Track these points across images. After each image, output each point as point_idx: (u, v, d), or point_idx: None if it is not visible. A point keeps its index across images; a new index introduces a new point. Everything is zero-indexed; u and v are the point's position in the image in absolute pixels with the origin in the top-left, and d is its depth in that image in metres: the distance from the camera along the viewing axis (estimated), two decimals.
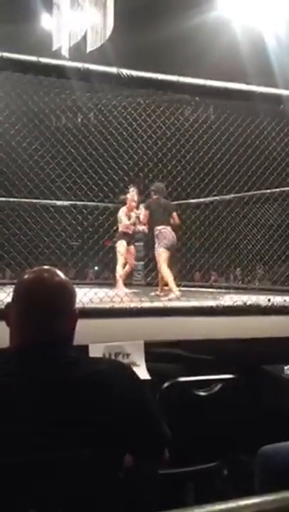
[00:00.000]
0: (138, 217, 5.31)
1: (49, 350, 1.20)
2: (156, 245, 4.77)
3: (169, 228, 4.77)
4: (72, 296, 1.29)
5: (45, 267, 1.33)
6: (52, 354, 1.19)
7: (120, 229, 5.36)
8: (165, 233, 4.72)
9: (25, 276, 1.29)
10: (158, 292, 4.84)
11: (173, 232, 4.80)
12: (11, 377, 1.16)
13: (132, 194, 5.33)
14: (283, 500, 0.65)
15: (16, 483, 1.07)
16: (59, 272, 1.29)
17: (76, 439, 1.12)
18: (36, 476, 1.08)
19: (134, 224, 5.36)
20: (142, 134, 3.99)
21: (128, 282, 6.31)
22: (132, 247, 5.51)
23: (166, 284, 4.70)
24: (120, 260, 5.30)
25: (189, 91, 3.07)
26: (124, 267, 5.36)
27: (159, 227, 4.75)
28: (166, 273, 4.63)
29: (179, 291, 4.47)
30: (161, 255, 4.69)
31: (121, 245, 5.31)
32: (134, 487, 1.29)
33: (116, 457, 1.19)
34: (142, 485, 1.41)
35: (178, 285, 4.71)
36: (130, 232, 5.43)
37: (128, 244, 5.40)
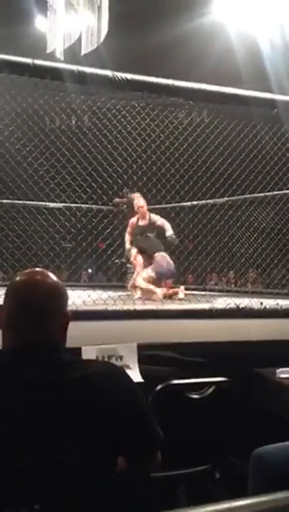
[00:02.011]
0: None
1: (41, 352, 1.20)
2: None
3: (163, 254, 4.63)
4: (63, 297, 1.29)
5: (37, 269, 1.34)
6: (44, 356, 1.19)
7: None
8: (159, 260, 4.59)
9: (16, 279, 1.29)
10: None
11: (168, 259, 4.63)
12: (2, 380, 1.15)
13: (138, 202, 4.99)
14: (275, 502, 0.65)
15: (5, 486, 1.07)
16: (50, 274, 1.29)
17: (68, 442, 1.12)
18: (27, 479, 1.08)
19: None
20: (136, 136, 4.00)
21: (121, 285, 6.35)
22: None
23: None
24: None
25: (183, 95, 3.08)
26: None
27: (155, 255, 4.62)
28: (141, 284, 4.54)
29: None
30: (145, 276, 4.59)
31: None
32: (126, 490, 1.29)
33: (108, 460, 1.19)
34: (133, 488, 1.41)
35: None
36: None
37: None
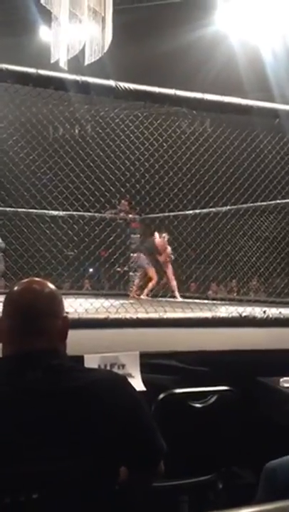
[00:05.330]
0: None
1: (41, 358, 1.20)
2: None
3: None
4: (60, 302, 1.31)
5: (34, 278, 1.39)
6: (44, 362, 1.20)
7: None
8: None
9: (14, 288, 1.31)
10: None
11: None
12: (3, 387, 1.15)
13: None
14: (281, 510, 0.65)
15: (5, 494, 1.07)
16: (47, 282, 1.33)
17: (69, 450, 1.11)
18: (27, 488, 1.07)
19: None
20: (139, 146, 4.02)
21: (124, 293, 6.42)
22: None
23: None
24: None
25: (186, 104, 3.10)
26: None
27: None
28: None
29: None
30: None
31: None
32: (129, 499, 1.29)
33: (111, 469, 1.19)
34: (136, 497, 1.40)
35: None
36: None
37: None
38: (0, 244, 5.37)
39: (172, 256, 6.16)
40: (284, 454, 1.61)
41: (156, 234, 6.30)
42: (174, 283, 6.14)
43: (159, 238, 6.24)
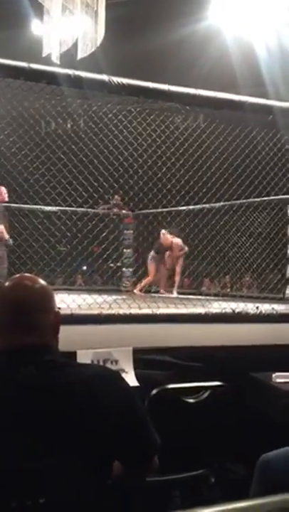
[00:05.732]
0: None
1: (33, 353, 1.20)
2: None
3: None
4: (51, 297, 1.31)
5: (25, 274, 1.41)
6: (37, 357, 1.19)
7: None
8: None
9: (5, 284, 1.32)
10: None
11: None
12: None
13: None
14: (272, 504, 0.65)
15: (6, 496, 1.06)
16: (37, 278, 1.33)
17: (64, 446, 1.11)
18: (20, 483, 1.07)
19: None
20: (133, 141, 4.01)
21: (117, 289, 6.44)
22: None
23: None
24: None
25: (179, 100, 3.09)
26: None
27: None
28: None
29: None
30: None
31: None
32: (122, 494, 1.29)
33: (104, 464, 1.19)
34: (129, 492, 1.40)
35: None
36: None
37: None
38: (7, 241, 5.33)
39: (185, 247, 6.12)
40: (276, 449, 1.61)
41: (162, 232, 6.31)
42: (178, 278, 6.16)
43: (162, 236, 6.24)
